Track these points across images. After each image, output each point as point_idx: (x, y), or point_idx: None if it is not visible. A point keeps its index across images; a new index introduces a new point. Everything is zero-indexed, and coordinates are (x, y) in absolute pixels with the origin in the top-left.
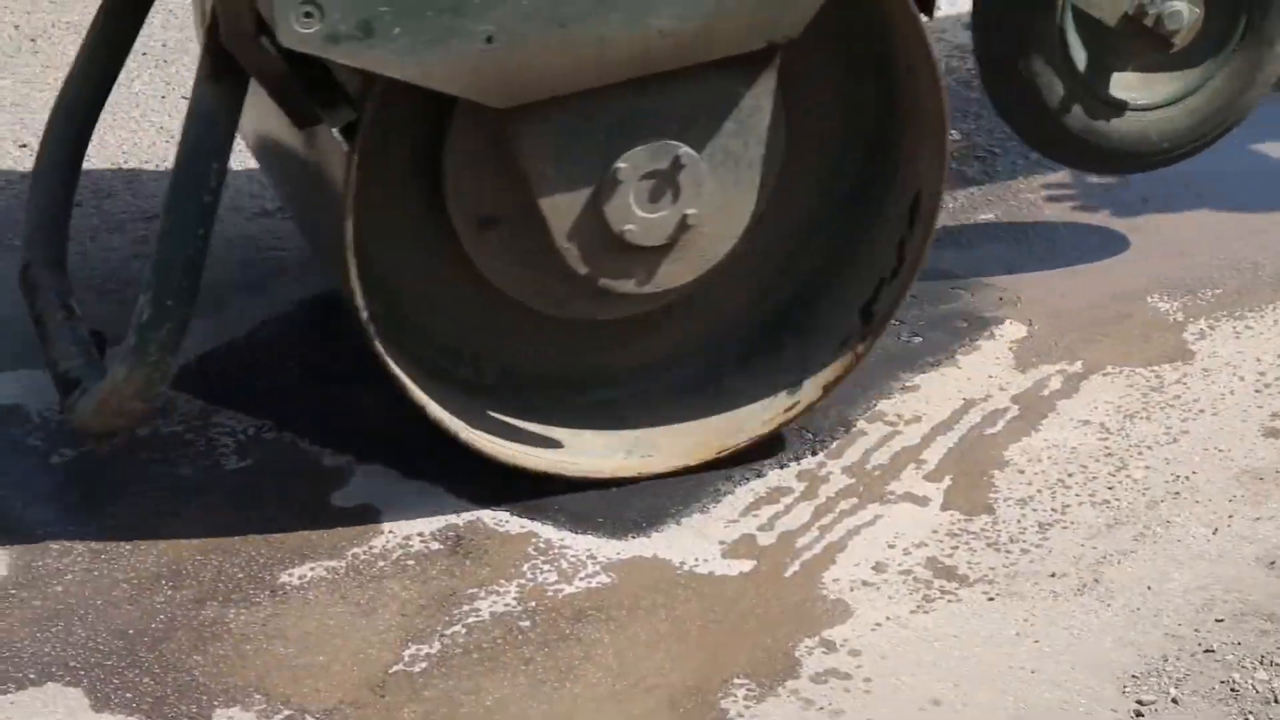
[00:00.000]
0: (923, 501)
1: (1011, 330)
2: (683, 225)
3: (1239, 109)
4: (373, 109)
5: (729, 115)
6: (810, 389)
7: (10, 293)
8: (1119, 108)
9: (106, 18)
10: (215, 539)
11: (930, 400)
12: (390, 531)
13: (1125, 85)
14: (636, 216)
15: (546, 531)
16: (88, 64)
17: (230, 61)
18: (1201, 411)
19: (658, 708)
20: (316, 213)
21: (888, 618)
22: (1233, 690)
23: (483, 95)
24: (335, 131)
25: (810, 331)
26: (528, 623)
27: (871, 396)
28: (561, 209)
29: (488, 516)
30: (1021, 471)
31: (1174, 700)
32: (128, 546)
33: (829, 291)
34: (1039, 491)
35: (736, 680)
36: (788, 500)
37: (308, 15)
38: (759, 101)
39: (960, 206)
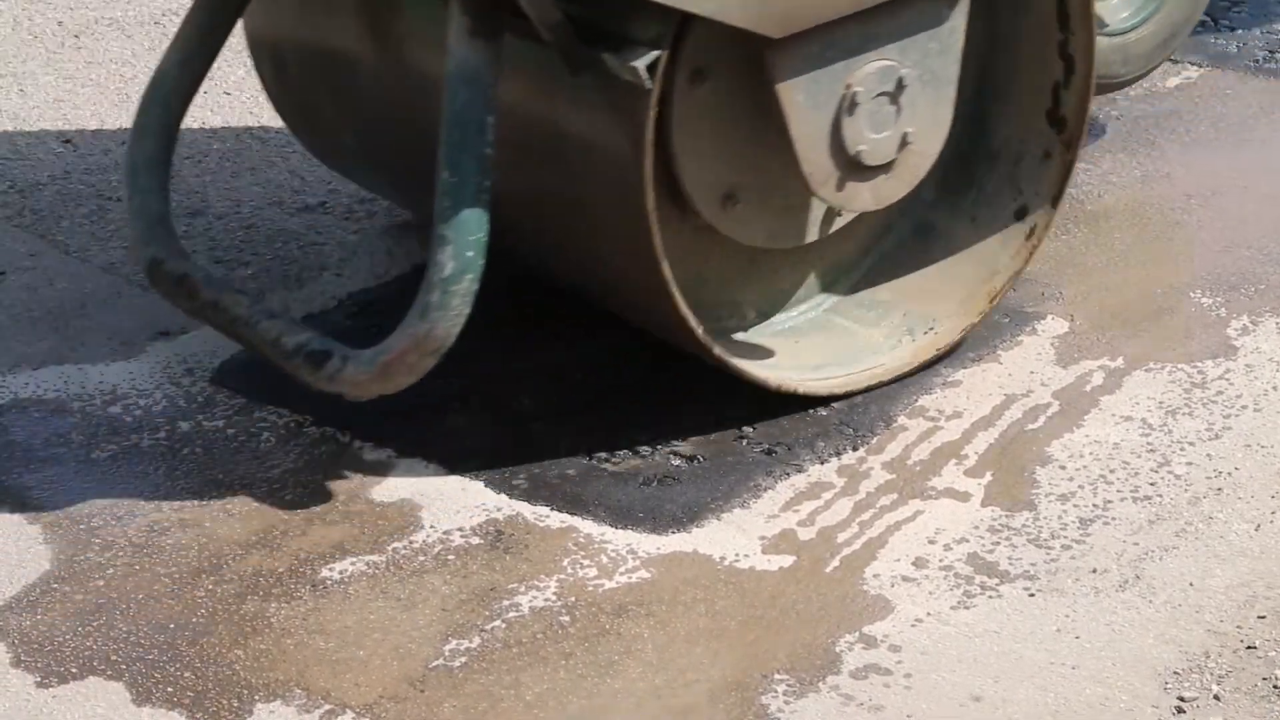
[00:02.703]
0: (964, 497)
1: (1053, 325)
2: (903, 143)
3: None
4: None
5: (935, 37)
6: (1039, 211)
7: (48, 289)
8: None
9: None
10: (256, 533)
11: (971, 396)
12: (431, 526)
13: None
14: (868, 137)
15: (586, 526)
16: (184, 51)
17: (490, 18)
18: (1244, 408)
19: (698, 703)
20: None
21: (928, 613)
22: (1275, 687)
23: (765, 25)
24: (642, 70)
25: (1003, 158)
26: (568, 618)
27: (912, 392)
28: (809, 135)
29: (528, 511)
30: (1063, 467)
31: (1216, 697)
32: (169, 541)
33: (1003, 115)
34: (1080, 487)
35: (777, 676)
36: (828, 496)
37: None
38: (956, 23)
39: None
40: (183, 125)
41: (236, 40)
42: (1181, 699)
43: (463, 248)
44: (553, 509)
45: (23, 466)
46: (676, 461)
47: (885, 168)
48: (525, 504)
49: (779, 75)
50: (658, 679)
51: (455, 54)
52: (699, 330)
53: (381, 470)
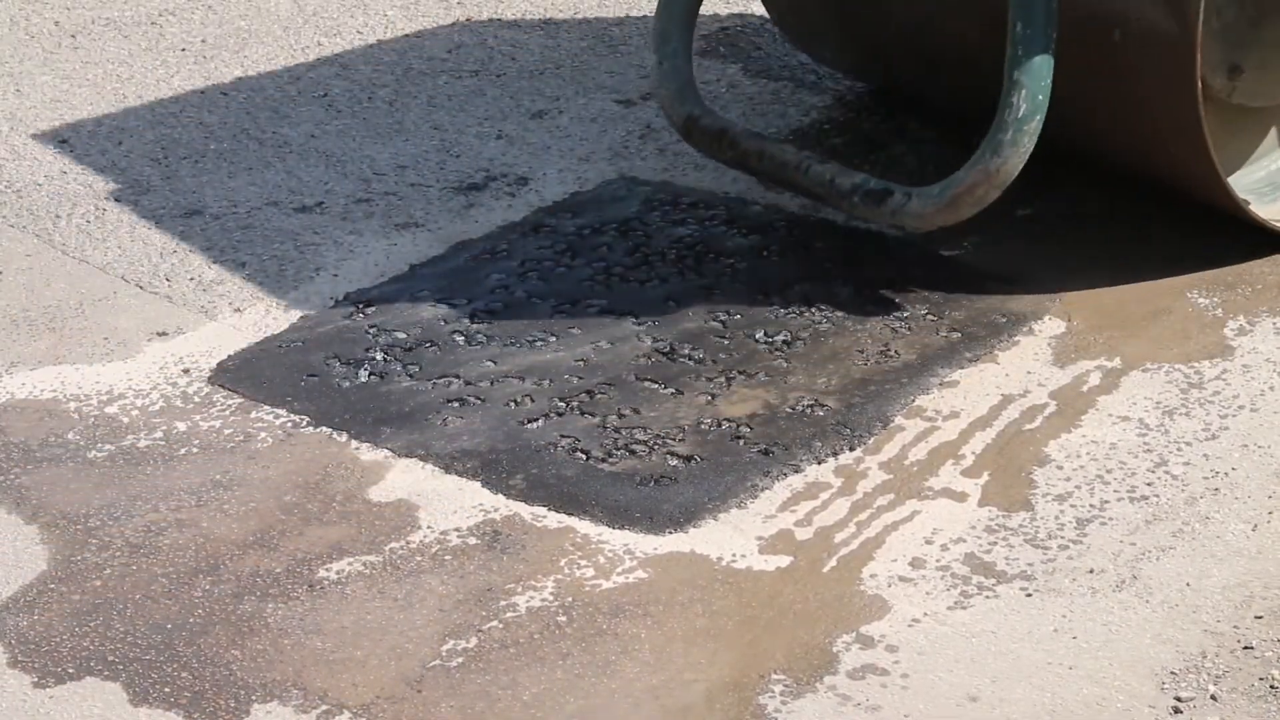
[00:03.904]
0: (961, 497)
1: (1050, 326)
2: None
3: None
4: None
5: None
6: None
7: (45, 290)
8: None
9: None
10: (253, 533)
11: (969, 396)
12: (428, 526)
13: None
14: None
15: (584, 527)
16: None
17: None
18: (1241, 408)
19: (695, 703)
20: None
21: (925, 613)
22: (1272, 687)
23: None
24: None
25: None
26: (565, 618)
27: (910, 393)
28: None
29: (525, 512)
30: (1060, 467)
31: (1213, 697)
32: (166, 541)
33: None
34: (1077, 488)
35: (774, 676)
36: (825, 496)
37: None
38: None
39: (997, 203)
40: (184, 126)
41: (235, 40)
42: (1178, 699)
43: (1034, 91)
44: (550, 509)
45: (20, 467)
46: (674, 462)
47: None
48: (522, 504)
49: None
50: (655, 679)
51: None
52: (1232, 188)
53: (379, 471)
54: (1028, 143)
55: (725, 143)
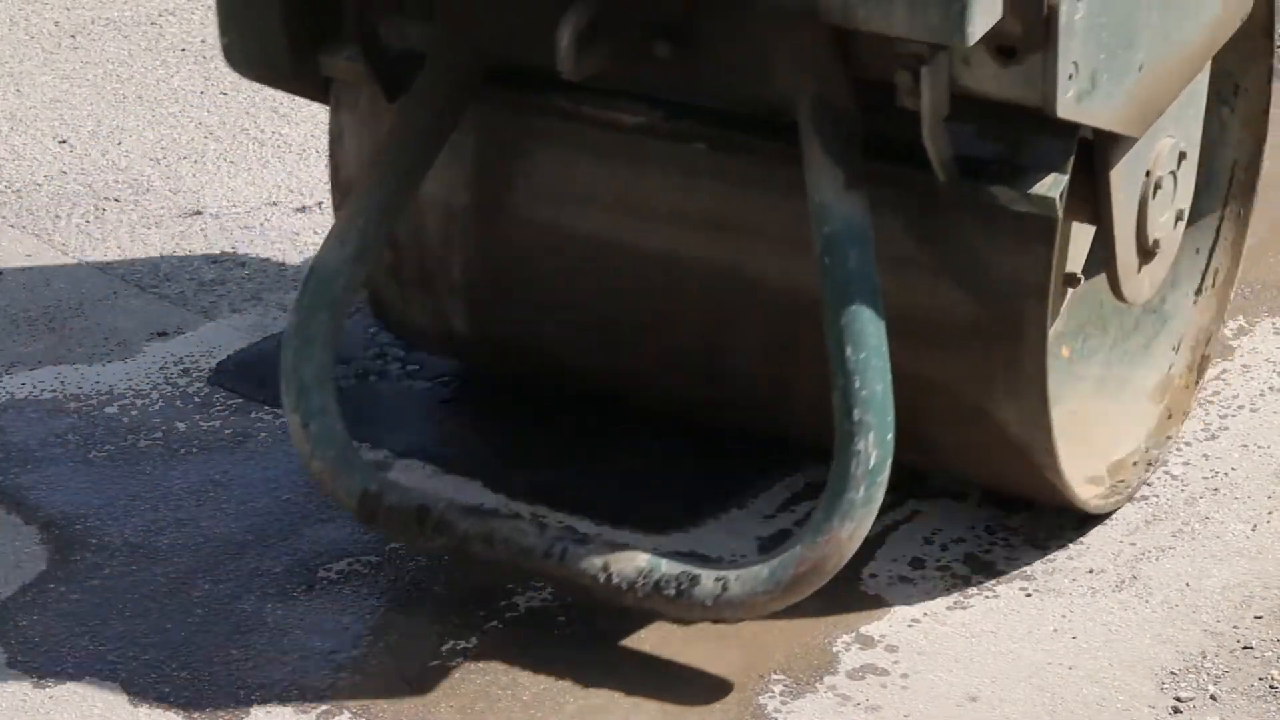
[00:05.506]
0: (960, 497)
1: None
2: (1178, 218)
3: None
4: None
5: (1199, 106)
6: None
7: (45, 290)
8: None
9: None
10: (253, 533)
11: None
12: None
13: None
14: (1159, 222)
15: (584, 527)
16: (359, 244)
17: (861, 166)
18: (1241, 408)
19: (694, 703)
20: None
21: (925, 613)
22: (1271, 687)
23: (1131, 126)
24: (1055, 196)
25: None
26: (565, 618)
27: None
28: (1123, 224)
29: (525, 511)
30: None
31: (1212, 697)
32: (165, 541)
33: None
34: None
35: (774, 676)
36: None
37: (1070, 78)
38: (1202, 87)
39: None
40: (184, 126)
41: None
42: (1178, 699)
43: (883, 431)
44: (550, 509)
45: (20, 467)
46: (675, 462)
47: (1159, 251)
48: (523, 504)
49: (1109, 172)
50: (655, 679)
51: (834, 212)
52: (1080, 492)
53: (378, 470)
54: (880, 495)
55: (429, 526)
